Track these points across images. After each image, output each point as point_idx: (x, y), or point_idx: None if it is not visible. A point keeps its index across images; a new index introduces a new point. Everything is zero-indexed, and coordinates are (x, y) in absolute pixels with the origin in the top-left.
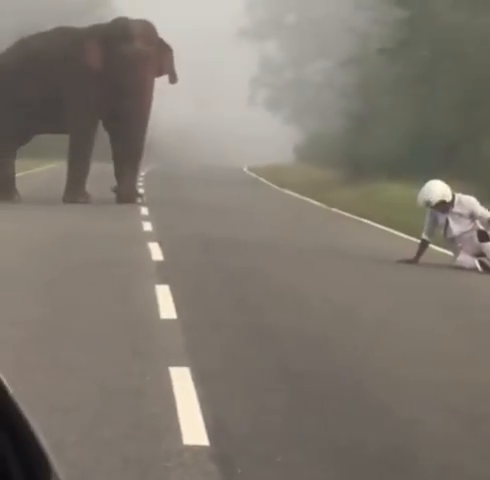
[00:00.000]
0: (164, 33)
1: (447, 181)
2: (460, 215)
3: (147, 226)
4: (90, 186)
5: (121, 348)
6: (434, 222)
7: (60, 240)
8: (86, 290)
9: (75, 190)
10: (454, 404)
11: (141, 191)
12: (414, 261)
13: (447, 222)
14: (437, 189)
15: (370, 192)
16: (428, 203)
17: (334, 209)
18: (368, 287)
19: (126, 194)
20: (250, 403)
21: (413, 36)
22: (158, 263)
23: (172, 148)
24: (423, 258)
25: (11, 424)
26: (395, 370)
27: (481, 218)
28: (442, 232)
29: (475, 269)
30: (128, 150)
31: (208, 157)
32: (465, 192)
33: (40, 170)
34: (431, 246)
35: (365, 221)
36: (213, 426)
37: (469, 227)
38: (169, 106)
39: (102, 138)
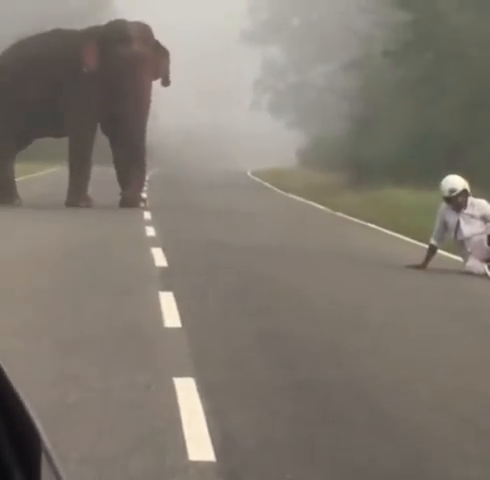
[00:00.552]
0: (166, 36)
1: None
2: (472, 216)
3: (150, 231)
4: (92, 190)
5: (123, 358)
6: (444, 227)
7: (60, 245)
8: (86, 297)
9: (77, 194)
10: (466, 413)
11: (144, 195)
12: (422, 266)
13: (458, 223)
14: (460, 179)
15: (374, 196)
16: (453, 190)
17: (339, 213)
18: (375, 291)
19: (129, 198)
20: (258, 415)
21: (417, 38)
22: (162, 269)
23: (175, 151)
24: (431, 263)
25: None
26: (402, 376)
27: None
28: (453, 235)
29: (485, 275)
30: (130, 154)
31: (212, 161)
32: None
33: (42, 174)
34: (440, 251)
35: (371, 225)
36: (220, 440)
37: (480, 229)
38: (173, 109)
39: (102, 141)
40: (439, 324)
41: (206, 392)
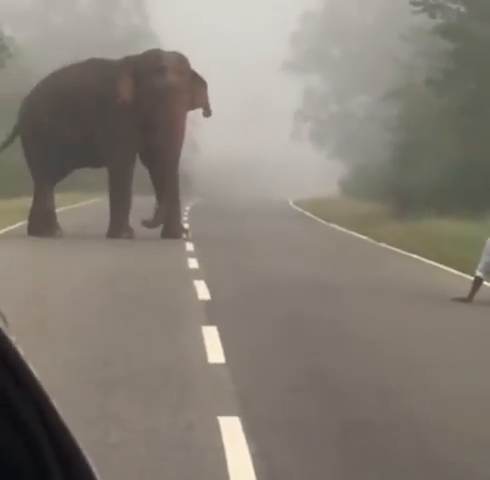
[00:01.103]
0: (209, 66)
1: None
2: None
3: (193, 263)
4: (133, 219)
5: (166, 395)
6: None
7: (101, 277)
8: (129, 330)
9: (118, 225)
10: None
11: (186, 226)
12: (468, 299)
13: None
14: None
15: (417, 226)
16: None
17: (382, 244)
18: (422, 326)
19: (171, 229)
20: (306, 458)
21: (459, 67)
22: (205, 302)
23: (217, 181)
24: (477, 296)
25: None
26: (452, 417)
27: None
28: None
29: None
30: (165, 185)
31: (254, 190)
32: None
33: (84, 204)
34: (486, 284)
35: (415, 256)
36: None
37: None
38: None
39: (144, 170)
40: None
41: (252, 432)
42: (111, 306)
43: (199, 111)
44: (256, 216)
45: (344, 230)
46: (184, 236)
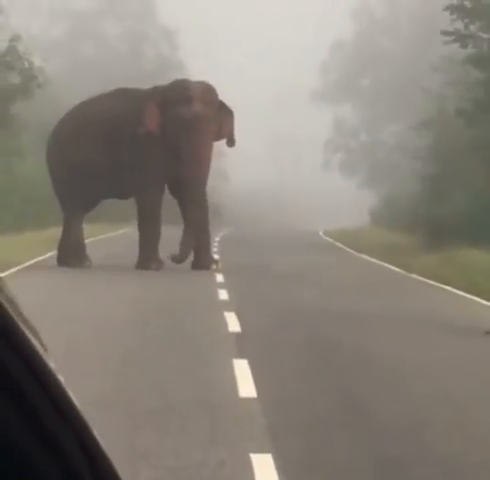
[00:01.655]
0: (239, 96)
1: None
2: None
3: (223, 294)
4: (163, 250)
5: (197, 432)
6: None
7: (130, 310)
8: (159, 364)
9: (147, 256)
10: None
11: (216, 257)
12: None
13: None
14: None
15: (450, 257)
16: None
17: (413, 275)
18: (457, 361)
19: (201, 260)
20: None
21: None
22: (236, 335)
23: (247, 212)
24: None
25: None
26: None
27: None
28: None
29: None
30: (193, 215)
31: (284, 220)
32: None
33: (113, 235)
34: None
35: (447, 288)
36: None
37: None
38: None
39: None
40: None
41: (285, 470)
42: (140, 339)
43: (231, 147)
44: (286, 247)
45: (375, 261)
46: (214, 267)
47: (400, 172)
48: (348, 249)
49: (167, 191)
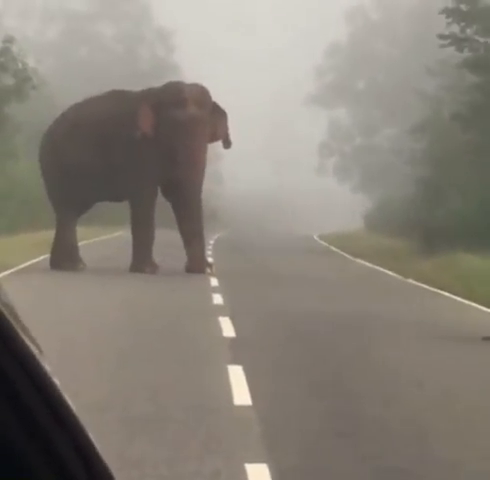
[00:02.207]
0: (233, 100)
1: None
2: None
3: (217, 299)
4: (156, 254)
5: (191, 440)
6: None
7: (123, 315)
8: (151, 370)
9: (141, 260)
10: None
11: (210, 260)
12: None
13: None
14: None
15: (445, 262)
16: None
17: (410, 280)
18: (454, 366)
19: (195, 264)
20: None
21: (486, 101)
22: (230, 340)
23: (241, 215)
24: None
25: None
26: None
27: None
28: None
29: None
30: (187, 219)
31: (278, 224)
32: None
33: (107, 237)
34: None
35: (444, 293)
36: None
37: None
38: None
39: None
40: None
41: None
42: (133, 344)
43: (220, 144)
44: (281, 250)
45: (371, 265)
46: (208, 271)
47: (394, 176)
48: (343, 253)
49: (160, 194)
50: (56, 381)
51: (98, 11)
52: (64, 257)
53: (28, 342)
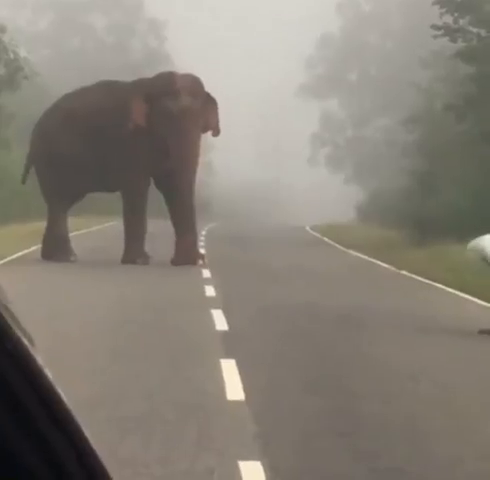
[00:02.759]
0: (225, 92)
1: None
2: None
3: (210, 290)
4: (148, 245)
5: (183, 437)
6: None
7: (114, 307)
8: (143, 364)
9: (133, 251)
10: None
11: (202, 252)
12: None
13: None
14: None
15: (439, 254)
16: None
17: (403, 271)
18: (450, 361)
19: (187, 255)
20: None
21: (480, 92)
22: (223, 333)
23: (233, 206)
24: None
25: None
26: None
27: None
28: None
29: None
30: (180, 210)
31: (270, 215)
32: None
33: (99, 228)
34: None
35: (437, 285)
36: None
37: None
38: (231, 164)
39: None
40: None
41: (276, 479)
42: (124, 338)
43: (215, 137)
44: (273, 241)
45: (363, 257)
46: (200, 262)
47: (387, 167)
48: (336, 244)
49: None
50: (48, 373)
51: (90, 1)
52: (55, 248)
53: (19, 333)
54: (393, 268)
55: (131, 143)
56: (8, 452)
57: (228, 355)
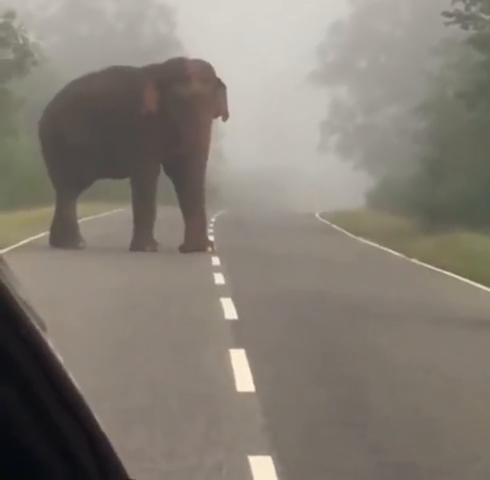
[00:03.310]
0: (236, 79)
1: None
2: None
3: (219, 278)
4: (157, 231)
5: (192, 431)
6: None
7: (123, 295)
8: (151, 355)
9: (142, 238)
10: None
11: (211, 239)
12: None
13: None
14: None
15: (449, 242)
16: None
17: (413, 260)
18: (459, 353)
19: (196, 242)
20: None
21: None
22: (232, 322)
23: (242, 193)
24: None
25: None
26: None
27: None
28: None
29: None
30: (190, 196)
31: (280, 202)
32: None
33: (108, 214)
34: None
35: (448, 274)
36: None
37: None
38: (240, 151)
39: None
40: None
41: (287, 474)
42: (132, 326)
43: (225, 121)
44: (283, 228)
45: (374, 244)
46: (209, 249)
47: (397, 155)
48: (345, 232)
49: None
50: (59, 358)
51: None
52: (64, 235)
53: (32, 319)
54: (403, 256)
55: (141, 129)
56: (18, 437)
57: (238, 345)
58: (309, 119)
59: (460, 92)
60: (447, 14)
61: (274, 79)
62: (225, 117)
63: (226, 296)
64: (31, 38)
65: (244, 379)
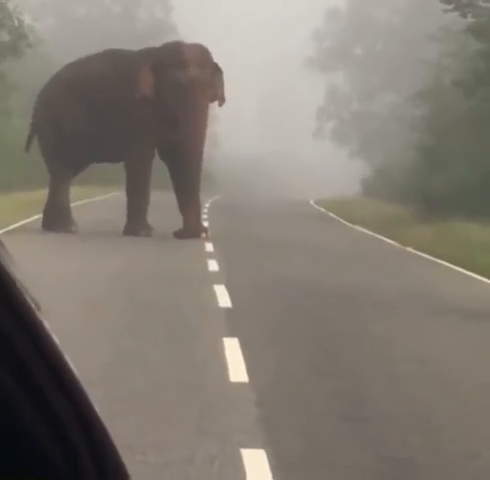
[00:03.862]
0: (231, 65)
1: None
2: None
3: (213, 265)
4: (152, 216)
5: (184, 423)
6: None
7: (115, 281)
8: (142, 344)
9: (136, 222)
10: None
11: (205, 225)
12: None
13: None
14: None
15: (444, 229)
16: None
17: (409, 248)
18: (458, 344)
19: (190, 228)
20: None
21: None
22: (226, 310)
23: (237, 179)
24: None
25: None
26: None
27: None
28: None
29: None
30: (185, 182)
31: (274, 189)
32: None
33: (102, 198)
34: None
35: (444, 263)
36: None
37: None
38: (235, 137)
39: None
40: None
41: (281, 469)
42: (123, 313)
43: (220, 107)
44: (277, 215)
45: (369, 232)
46: (204, 235)
47: (393, 142)
48: (340, 220)
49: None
50: (55, 338)
51: None
52: (56, 218)
53: (28, 299)
54: (399, 245)
55: (136, 113)
56: (11, 414)
57: (231, 333)
58: (306, 105)
59: (458, 81)
60: (445, 1)
61: (270, 65)
62: (221, 102)
63: (220, 283)
64: (26, 20)
65: (237, 369)
